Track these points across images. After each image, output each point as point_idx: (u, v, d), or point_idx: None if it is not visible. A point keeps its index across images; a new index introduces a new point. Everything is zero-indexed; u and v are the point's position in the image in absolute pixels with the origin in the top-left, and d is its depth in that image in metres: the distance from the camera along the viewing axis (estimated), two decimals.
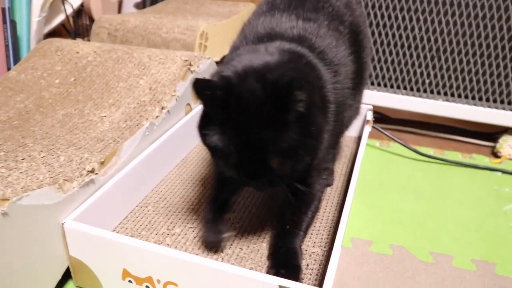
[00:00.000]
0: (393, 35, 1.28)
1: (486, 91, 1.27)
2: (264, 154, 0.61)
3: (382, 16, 1.27)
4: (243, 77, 0.63)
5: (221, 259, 0.78)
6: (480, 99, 1.29)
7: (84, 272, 0.73)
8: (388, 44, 1.30)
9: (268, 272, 0.73)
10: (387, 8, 1.26)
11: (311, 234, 0.85)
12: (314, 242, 0.83)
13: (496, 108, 1.27)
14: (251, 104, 0.60)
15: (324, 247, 0.82)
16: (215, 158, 0.66)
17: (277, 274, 0.66)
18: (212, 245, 0.79)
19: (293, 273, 0.70)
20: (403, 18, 1.26)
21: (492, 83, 1.25)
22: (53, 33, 1.50)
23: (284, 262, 0.73)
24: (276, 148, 0.60)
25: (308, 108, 0.61)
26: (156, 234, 0.83)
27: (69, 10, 1.53)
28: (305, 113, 0.61)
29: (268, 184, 0.66)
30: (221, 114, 0.62)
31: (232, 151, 0.62)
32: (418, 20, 1.25)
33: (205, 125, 0.65)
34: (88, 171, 0.77)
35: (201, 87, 0.61)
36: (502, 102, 1.27)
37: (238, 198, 0.94)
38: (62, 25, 1.60)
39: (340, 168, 1.09)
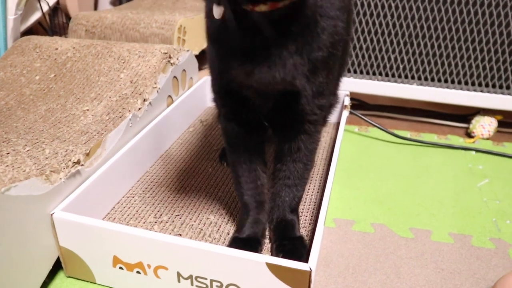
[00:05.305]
0: (367, 22, 1.31)
1: (458, 74, 1.31)
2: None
3: (355, 4, 1.30)
4: None
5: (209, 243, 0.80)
6: (453, 82, 1.33)
7: (74, 262, 0.74)
8: (362, 32, 1.33)
9: (272, 251, 0.76)
10: None
11: None
12: None
13: (468, 90, 1.32)
14: None
15: (308, 228, 0.85)
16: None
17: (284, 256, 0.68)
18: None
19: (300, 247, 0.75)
20: (376, 5, 1.29)
21: (463, 66, 1.30)
22: (29, 32, 1.48)
23: (284, 235, 0.77)
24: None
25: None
26: (144, 223, 0.85)
27: (45, 8, 1.52)
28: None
29: (290, 112, 0.65)
30: None
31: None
32: (390, 6, 1.28)
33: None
34: (74, 162, 0.78)
35: None
36: (473, 84, 1.31)
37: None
38: (39, 23, 1.59)
39: (320, 153, 1.12)
